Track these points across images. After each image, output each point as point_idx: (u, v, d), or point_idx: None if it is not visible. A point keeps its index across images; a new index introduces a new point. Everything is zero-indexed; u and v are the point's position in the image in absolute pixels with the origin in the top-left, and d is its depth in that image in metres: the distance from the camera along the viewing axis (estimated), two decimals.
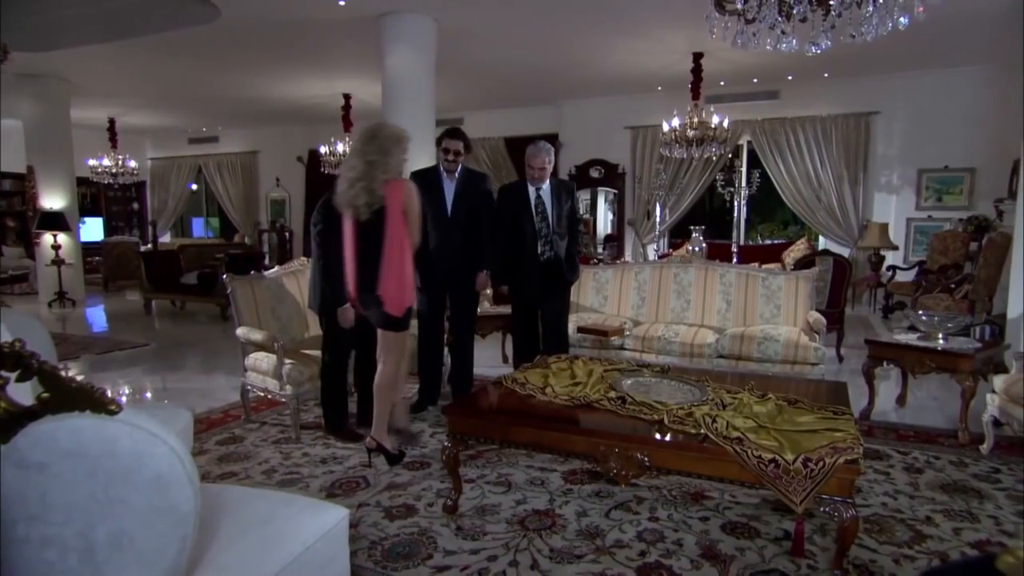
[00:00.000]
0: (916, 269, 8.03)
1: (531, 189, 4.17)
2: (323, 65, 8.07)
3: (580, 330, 4.70)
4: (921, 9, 2.80)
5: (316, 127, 11.79)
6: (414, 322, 3.84)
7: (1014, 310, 4.25)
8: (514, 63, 7.91)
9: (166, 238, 14.16)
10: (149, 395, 5.03)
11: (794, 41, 2.98)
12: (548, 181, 4.18)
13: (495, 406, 2.88)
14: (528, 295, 4.26)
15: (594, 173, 10.34)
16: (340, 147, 9.62)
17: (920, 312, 4.27)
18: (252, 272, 4.44)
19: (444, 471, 2.95)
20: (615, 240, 10.53)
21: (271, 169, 13.20)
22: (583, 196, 11.02)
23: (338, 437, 3.77)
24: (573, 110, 10.25)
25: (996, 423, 3.50)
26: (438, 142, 4.05)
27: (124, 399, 4.82)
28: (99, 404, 1.25)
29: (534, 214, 4.15)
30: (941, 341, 3.88)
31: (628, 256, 9.86)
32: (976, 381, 3.69)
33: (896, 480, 3.15)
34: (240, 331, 4.02)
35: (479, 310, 5.43)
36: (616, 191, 10.38)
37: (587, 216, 11.36)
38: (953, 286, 6.79)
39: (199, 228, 15.55)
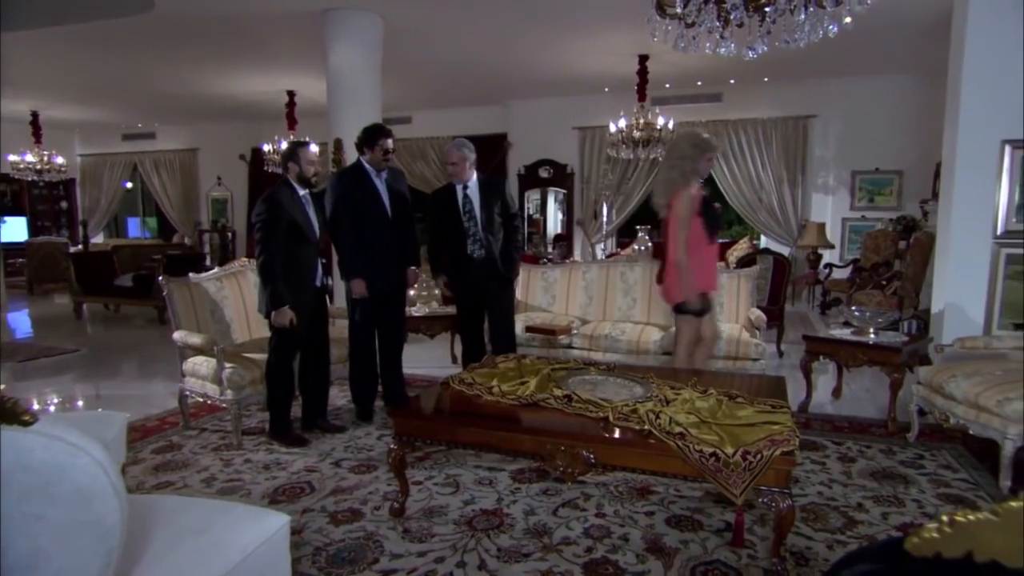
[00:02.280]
0: (851, 267, 8.38)
1: (458, 189, 4.11)
2: (266, 61, 7.85)
3: (528, 329, 4.72)
4: (849, 20, 2.91)
5: (259, 124, 11.47)
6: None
7: (936, 305, 4.48)
8: (462, 62, 7.88)
9: (99, 238, 13.51)
10: (81, 403, 4.78)
11: (732, 46, 3.06)
12: (475, 179, 4.12)
13: (442, 407, 2.86)
14: (469, 294, 4.22)
15: (543, 173, 10.40)
16: (285, 145, 9.36)
17: (853, 308, 4.46)
18: (190, 274, 4.28)
19: (391, 474, 2.91)
20: (565, 240, 10.62)
21: (212, 167, 12.77)
22: (533, 196, 11.08)
23: (282, 442, 3.67)
24: (522, 110, 10.29)
25: (921, 412, 3.69)
26: (372, 141, 3.90)
27: (52, 408, 4.57)
28: (10, 415, 1.18)
29: (461, 213, 4.09)
30: (872, 336, 4.07)
31: (578, 255, 9.96)
32: (903, 373, 3.88)
33: (831, 469, 3.28)
34: (177, 335, 3.87)
35: (427, 310, 5.41)
36: (565, 191, 10.48)
37: (537, 216, 11.42)
38: (884, 283, 7.13)
39: (135, 228, 14.91)
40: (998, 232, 4.24)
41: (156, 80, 8.83)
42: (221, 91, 9.47)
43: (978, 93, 4.24)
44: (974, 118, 4.24)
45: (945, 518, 0.82)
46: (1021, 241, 4.19)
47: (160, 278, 4.09)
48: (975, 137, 4.25)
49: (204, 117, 11.69)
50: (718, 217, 3.88)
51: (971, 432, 3.24)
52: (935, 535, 0.79)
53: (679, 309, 3.87)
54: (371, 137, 3.91)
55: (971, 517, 0.79)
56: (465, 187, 4.10)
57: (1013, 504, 0.77)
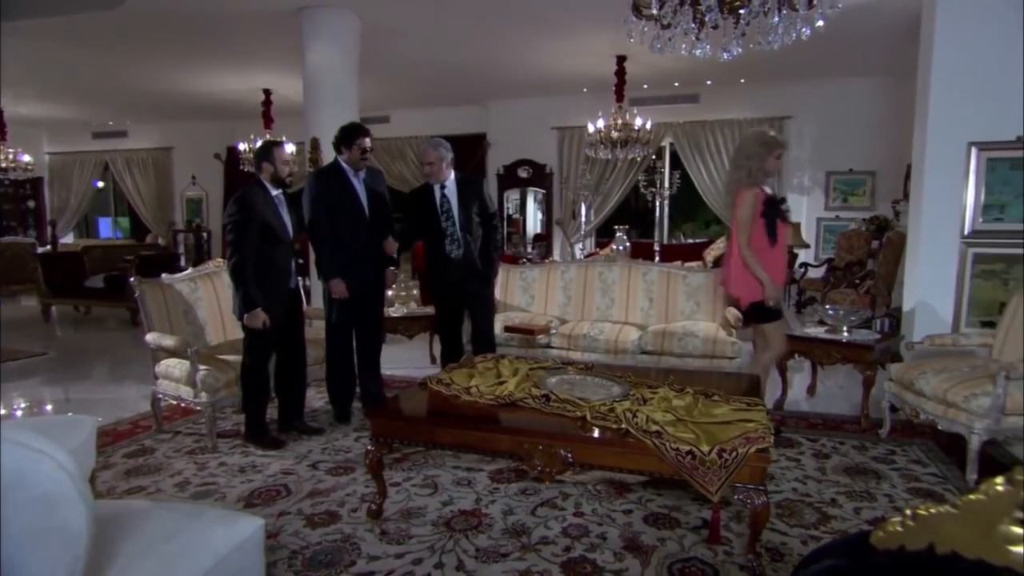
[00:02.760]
0: (825, 266, 8.52)
1: (436, 188, 4.09)
2: (241, 59, 7.74)
3: (507, 329, 4.71)
4: (821, 23, 2.96)
5: (235, 123, 11.30)
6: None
7: (907, 304, 4.57)
8: (440, 62, 7.85)
9: (68, 239, 13.19)
10: (49, 408, 4.68)
11: (708, 47, 3.09)
12: (452, 179, 4.10)
13: (419, 408, 2.85)
14: (448, 295, 4.20)
15: (523, 173, 10.41)
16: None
17: (827, 307, 4.53)
18: (163, 275, 4.20)
19: (369, 476, 2.89)
20: (544, 240, 10.64)
21: (186, 166, 12.55)
22: (512, 196, 11.07)
23: (258, 444, 3.63)
24: (500, 110, 10.28)
25: (893, 408, 3.76)
26: (350, 140, 3.87)
27: (19, 413, 4.46)
28: None
29: (439, 213, 4.07)
30: (845, 334, 4.13)
31: (557, 255, 9.98)
32: (875, 370, 3.95)
33: (806, 466, 3.33)
34: (150, 337, 3.80)
35: (406, 310, 5.38)
36: (544, 191, 10.49)
37: (517, 216, 11.42)
38: (857, 282, 7.25)
39: (107, 228, 14.61)
40: (965, 232, 4.33)
41: (127, 77, 8.64)
42: (195, 89, 9.32)
43: (946, 96, 4.33)
44: (942, 120, 4.33)
45: (908, 512, 0.84)
46: (987, 241, 4.30)
47: (132, 279, 4.01)
48: (943, 139, 4.34)
49: (178, 115, 11.49)
50: (784, 216, 3.61)
51: (940, 427, 3.31)
52: (899, 528, 0.81)
53: (756, 315, 3.67)
54: (348, 136, 3.88)
55: (932, 510, 0.80)
56: (443, 187, 4.08)
57: (972, 497, 0.78)
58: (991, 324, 4.05)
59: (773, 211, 3.54)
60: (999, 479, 0.79)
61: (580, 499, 2.92)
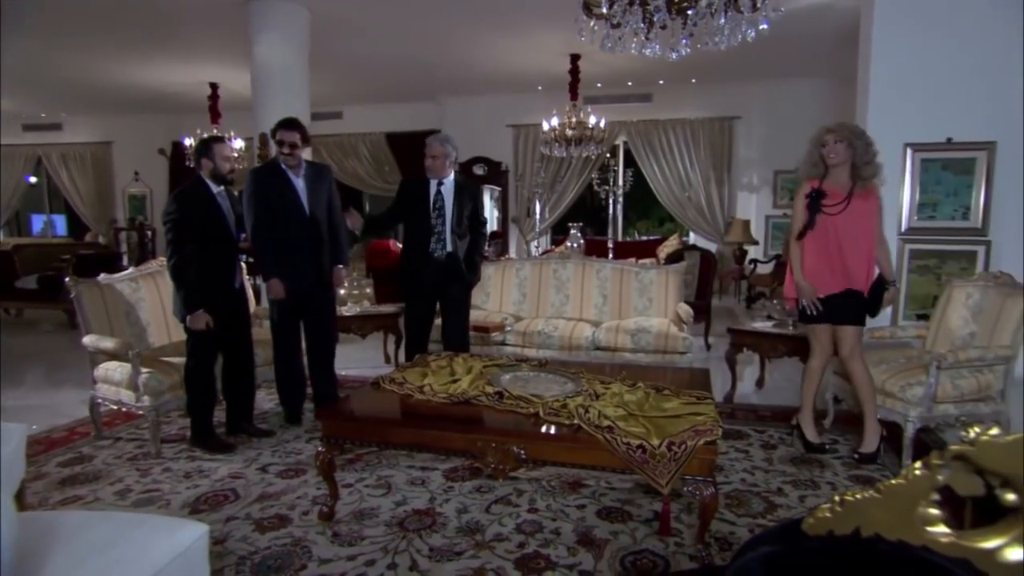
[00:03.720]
0: (774, 262, 8.77)
1: (432, 184, 3.98)
2: (185, 51, 7.48)
3: None
4: (765, 26, 3.04)
5: (180, 117, 10.92)
6: None
7: None
8: (393, 57, 7.76)
9: None
10: None
11: (657, 47, 3.15)
12: (452, 178, 4.01)
13: (371, 408, 2.81)
14: (423, 293, 4.08)
15: (478, 170, 10.37)
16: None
17: (775, 301, 4.66)
18: (102, 274, 4.03)
19: (320, 478, 2.84)
20: (500, 237, 10.63)
21: (128, 162, 12.06)
22: None
23: (205, 449, 3.52)
24: (456, 106, 10.23)
25: (836, 400, 3.90)
26: (273, 135, 3.76)
27: None
28: None
29: (431, 209, 3.96)
30: (791, 328, 4.26)
31: (513, 253, 10.00)
32: None
33: (754, 457, 3.42)
34: (87, 339, 3.65)
35: (358, 309, 5.30)
36: (500, 188, 10.49)
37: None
38: None
39: (41, 226, 13.91)
40: (902, 229, 4.53)
41: (61, 67, 8.21)
42: (137, 81, 8.96)
43: (883, 98, 4.51)
44: (880, 122, 4.50)
45: (837, 498, 0.87)
46: (922, 237, 4.50)
47: (67, 279, 3.83)
48: (881, 140, 4.49)
49: (118, 108, 11.02)
50: (820, 209, 3.36)
51: (879, 417, 3.45)
52: (828, 515, 0.84)
53: (800, 315, 3.51)
54: (272, 131, 3.77)
55: (859, 496, 0.84)
56: (440, 183, 3.98)
57: (893, 482, 0.82)
58: (926, 317, 4.24)
59: (814, 204, 3.37)
60: (917, 464, 0.83)
61: (534, 495, 2.93)
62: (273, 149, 5.80)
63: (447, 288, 4.07)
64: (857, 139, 3.31)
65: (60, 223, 13.53)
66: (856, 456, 3.37)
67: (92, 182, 12.21)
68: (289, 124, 3.71)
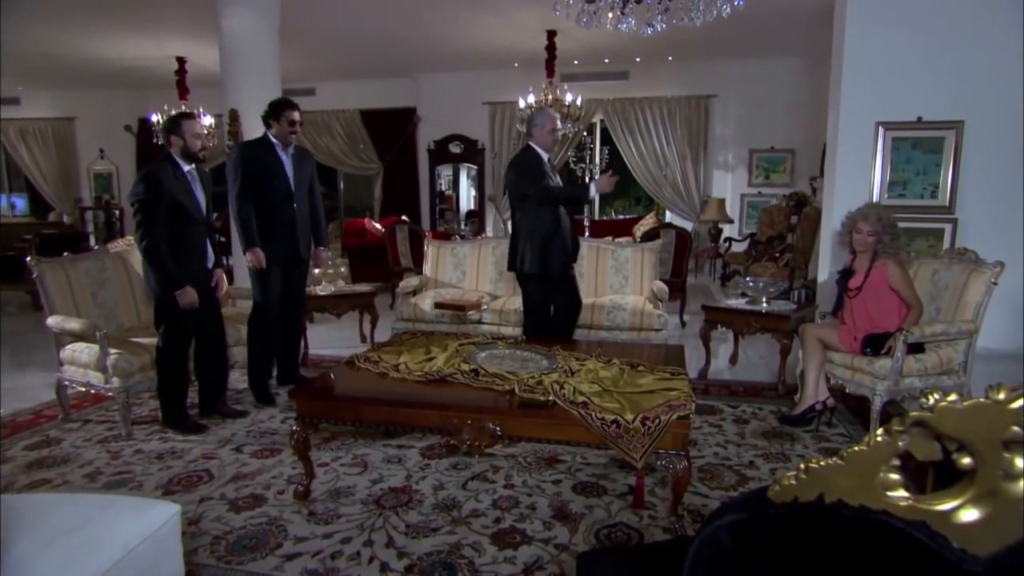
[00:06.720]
0: (748, 240, 8.87)
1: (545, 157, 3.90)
2: (151, 24, 7.23)
3: (438, 306, 4.68)
4: (740, 2, 3.03)
5: (147, 93, 10.63)
6: None
7: (822, 275, 4.83)
8: (368, 32, 7.60)
9: None
10: None
11: (632, 22, 3.12)
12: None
13: (347, 386, 2.79)
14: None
15: (454, 148, 10.29)
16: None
17: (748, 279, 4.72)
18: (66, 253, 3.92)
19: (295, 457, 2.82)
20: (477, 216, 10.59)
21: (93, 139, 11.69)
22: (445, 172, 10.94)
23: (178, 429, 3.48)
24: (431, 84, 10.09)
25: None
26: (278, 113, 3.82)
27: None
28: None
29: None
30: (764, 305, 4.32)
31: (490, 231, 9.97)
32: (791, 339, 4.15)
33: (727, 431, 3.48)
34: (52, 320, 3.56)
35: (333, 288, 5.25)
36: (477, 167, 10.42)
37: (449, 192, 11.30)
38: (778, 255, 7.59)
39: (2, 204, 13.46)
40: None
41: (15, 38, 7.88)
42: (100, 55, 8.66)
43: (856, 78, 4.55)
44: (853, 101, 4.55)
45: (802, 466, 0.88)
46: (894, 216, 4.55)
47: (28, 259, 3.72)
48: (854, 119, 4.57)
49: (81, 83, 10.65)
50: (846, 289, 3.58)
51: (848, 390, 3.52)
52: (793, 482, 0.86)
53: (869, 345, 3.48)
54: (277, 109, 3.84)
55: (823, 463, 0.86)
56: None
57: (856, 449, 0.84)
58: None
59: (840, 282, 3.61)
60: (879, 431, 0.84)
61: (511, 471, 2.95)
62: (245, 127, 5.72)
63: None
64: (886, 233, 3.46)
65: (20, 203, 13.09)
66: (779, 416, 3.62)
67: (55, 160, 11.83)
68: (294, 104, 3.87)
